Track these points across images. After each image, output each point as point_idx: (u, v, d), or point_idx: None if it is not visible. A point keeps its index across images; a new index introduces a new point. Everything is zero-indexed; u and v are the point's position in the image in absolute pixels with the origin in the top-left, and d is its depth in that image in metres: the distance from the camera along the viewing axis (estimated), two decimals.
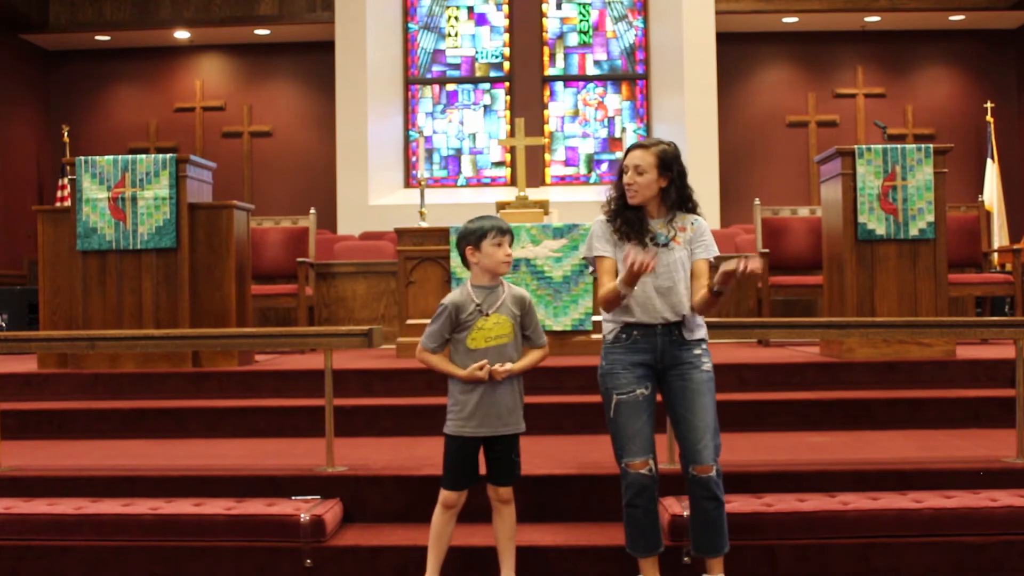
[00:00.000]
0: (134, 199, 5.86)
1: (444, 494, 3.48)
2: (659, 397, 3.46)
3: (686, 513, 3.60)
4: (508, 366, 3.40)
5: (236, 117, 12.03)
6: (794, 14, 11.36)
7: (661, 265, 3.36)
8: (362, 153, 11.27)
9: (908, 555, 3.65)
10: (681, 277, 3.38)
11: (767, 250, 7.58)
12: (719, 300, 3.33)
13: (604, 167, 11.91)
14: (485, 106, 11.97)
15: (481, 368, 3.36)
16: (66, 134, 11.51)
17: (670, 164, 3.41)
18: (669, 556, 3.51)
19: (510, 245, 3.46)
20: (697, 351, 3.40)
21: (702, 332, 3.46)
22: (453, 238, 6.06)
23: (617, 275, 3.37)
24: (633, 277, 3.20)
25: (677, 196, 3.43)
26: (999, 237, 10.55)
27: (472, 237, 3.43)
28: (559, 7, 11.99)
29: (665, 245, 3.39)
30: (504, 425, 3.44)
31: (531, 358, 3.50)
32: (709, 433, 3.35)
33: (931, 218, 5.69)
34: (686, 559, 3.60)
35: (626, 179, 3.41)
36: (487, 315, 3.43)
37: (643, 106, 11.90)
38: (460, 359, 3.44)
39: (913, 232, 5.69)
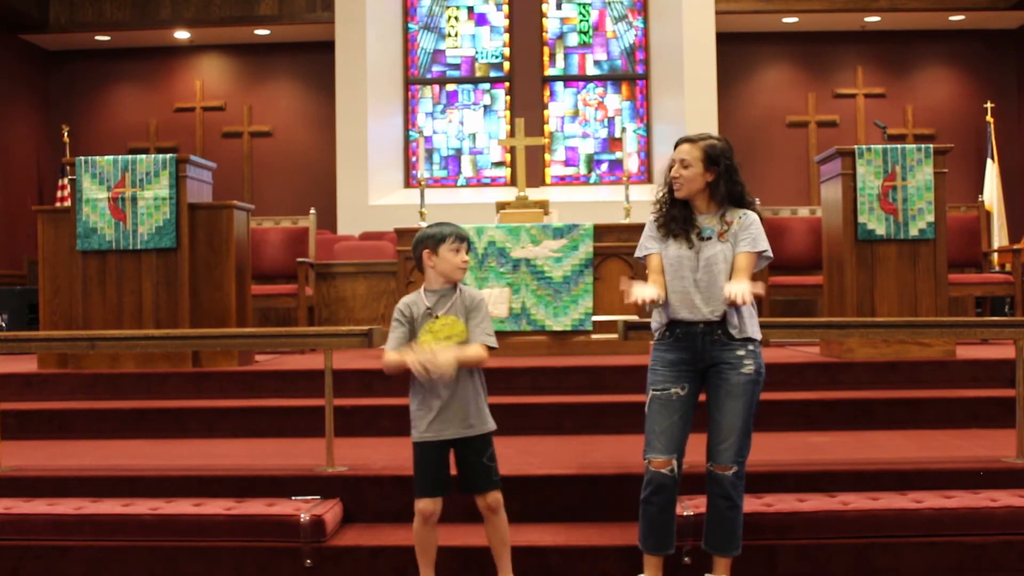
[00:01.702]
0: (134, 199, 5.86)
1: (419, 503, 3.43)
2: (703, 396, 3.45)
3: (686, 513, 3.61)
4: (452, 354, 3.24)
5: (236, 117, 12.03)
6: (794, 14, 11.37)
7: (702, 260, 3.36)
8: (362, 153, 11.27)
9: (908, 555, 3.65)
10: (721, 270, 3.34)
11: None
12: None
13: (604, 167, 11.91)
14: (485, 106, 11.97)
15: (431, 365, 3.21)
16: (66, 134, 11.51)
17: (717, 159, 3.40)
18: (669, 556, 3.50)
19: (467, 253, 3.46)
20: (740, 352, 3.35)
21: (751, 331, 3.38)
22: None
23: (662, 271, 3.40)
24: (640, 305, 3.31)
25: (726, 191, 3.41)
26: (999, 237, 10.55)
27: (431, 241, 3.43)
28: (559, 7, 11.99)
29: (709, 239, 3.39)
30: (468, 427, 3.39)
31: (473, 350, 3.34)
32: (734, 436, 3.33)
33: (931, 218, 5.69)
34: (686, 559, 3.60)
35: (672, 172, 3.42)
36: (436, 317, 3.41)
37: (643, 106, 11.90)
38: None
39: (913, 232, 5.69)
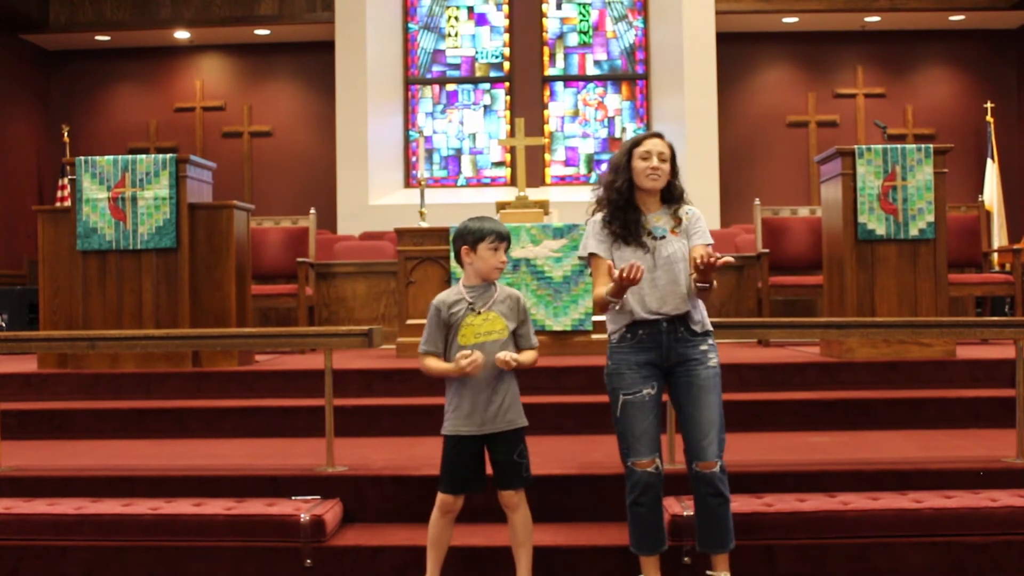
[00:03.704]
0: (134, 199, 5.86)
1: (441, 497, 3.44)
2: (665, 395, 3.46)
3: (686, 513, 3.61)
4: (513, 356, 3.33)
5: (236, 117, 12.03)
6: (794, 14, 11.37)
7: (660, 259, 3.37)
8: (362, 153, 11.27)
9: (908, 555, 3.65)
10: (681, 269, 3.37)
11: (767, 250, 7.58)
12: (708, 292, 3.35)
13: (604, 167, 11.90)
14: (485, 106, 11.97)
15: (466, 359, 3.27)
16: (66, 134, 11.51)
17: (675, 158, 3.49)
18: (669, 556, 3.51)
19: (506, 252, 3.44)
20: (703, 347, 3.39)
21: (709, 324, 3.44)
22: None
23: (610, 275, 3.38)
24: (621, 288, 3.25)
25: (681, 189, 3.49)
26: (999, 237, 10.55)
27: (470, 237, 3.41)
28: (559, 7, 11.99)
29: (663, 238, 3.40)
30: (501, 423, 3.40)
31: (529, 355, 3.47)
32: (715, 429, 3.34)
33: (931, 218, 5.69)
34: (686, 559, 3.60)
35: (653, 163, 3.40)
36: (478, 312, 3.41)
37: (643, 106, 11.90)
38: (453, 357, 3.40)
39: (913, 232, 5.69)
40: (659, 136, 3.48)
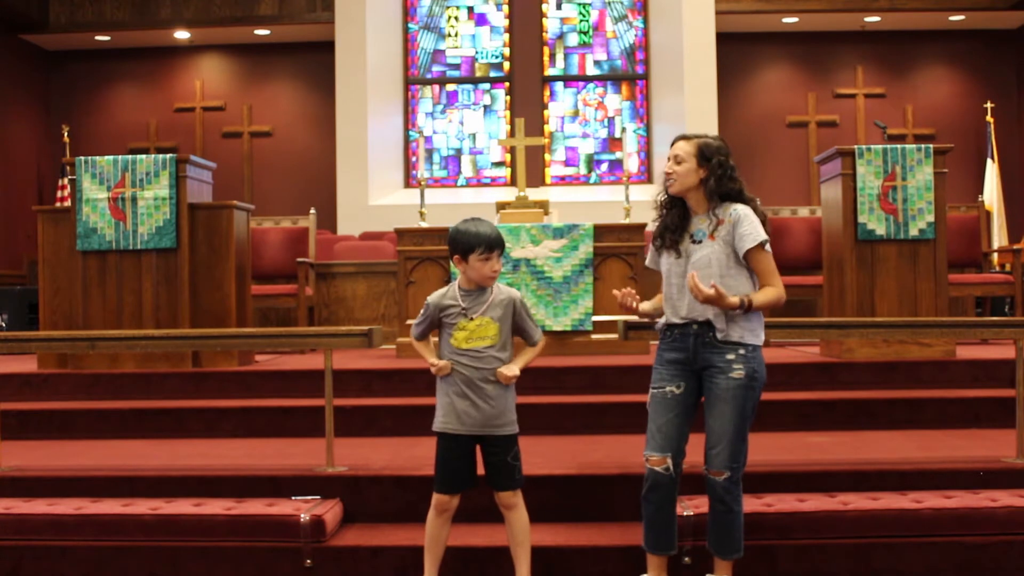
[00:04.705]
0: (134, 199, 5.86)
1: (436, 497, 3.45)
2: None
3: (686, 513, 3.61)
4: (514, 369, 3.38)
5: (236, 117, 12.03)
6: (794, 14, 11.37)
7: (690, 265, 3.35)
8: (362, 153, 11.27)
9: (908, 555, 3.65)
10: (711, 274, 3.31)
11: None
12: (750, 310, 3.29)
13: (604, 167, 11.91)
14: (485, 106, 11.97)
15: (439, 369, 3.42)
16: (66, 134, 11.52)
17: (710, 155, 3.40)
18: (672, 556, 3.50)
19: (499, 259, 3.43)
20: (730, 356, 3.30)
21: (742, 335, 3.31)
22: None
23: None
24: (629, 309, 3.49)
25: (716, 186, 3.37)
26: (999, 237, 10.55)
27: (460, 247, 3.40)
28: (559, 7, 11.99)
29: (700, 242, 3.39)
30: (493, 427, 3.41)
31: (526, 356, 3.51)
32: (725, 440, 3.30)
33: (931, 218, 5.69)
34: (686, 559, 3.60)
35: (666, 168, 3.43)
36: (471, 318, 3.41)
37: (643, 106, 11.90)
38: (445, 356, 3.45)
39: (913, 232, 5.69)
40: (682, 138, 3.47)
